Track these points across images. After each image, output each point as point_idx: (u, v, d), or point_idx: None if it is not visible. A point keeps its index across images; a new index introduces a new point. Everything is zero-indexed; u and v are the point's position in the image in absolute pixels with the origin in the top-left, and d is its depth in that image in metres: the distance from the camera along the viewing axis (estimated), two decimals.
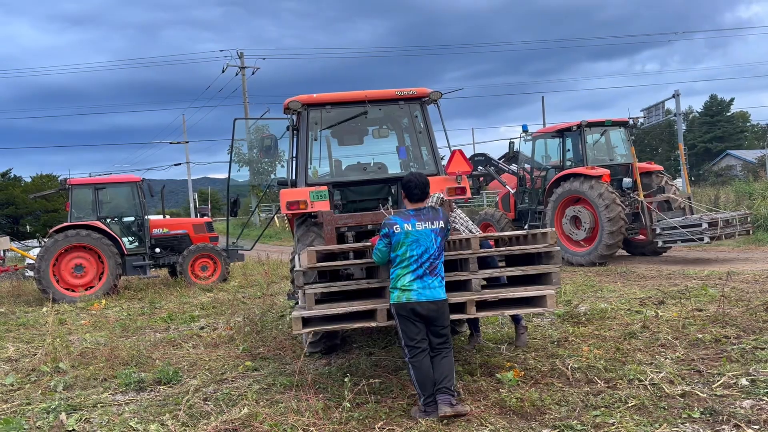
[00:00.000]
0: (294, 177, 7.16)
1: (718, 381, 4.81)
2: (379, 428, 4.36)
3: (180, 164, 42.96)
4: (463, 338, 6.89)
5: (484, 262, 5.56)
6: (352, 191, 7.17)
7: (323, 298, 5.25)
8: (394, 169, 7.52)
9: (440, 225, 4.62)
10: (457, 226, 6.40)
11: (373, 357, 6.43)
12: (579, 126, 13.47)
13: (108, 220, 14.24)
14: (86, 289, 13.56)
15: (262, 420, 4.53)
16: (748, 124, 68.98)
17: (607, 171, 12.90)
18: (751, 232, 13.02)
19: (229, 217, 8.90)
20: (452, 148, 7.26)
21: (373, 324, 4.84)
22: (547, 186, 13.91)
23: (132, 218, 14.72)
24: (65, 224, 13.71)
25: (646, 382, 4.87)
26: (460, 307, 4.96)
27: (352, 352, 6.76)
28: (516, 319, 6.49)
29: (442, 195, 6.04)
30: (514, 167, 15.72)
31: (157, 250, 14.84)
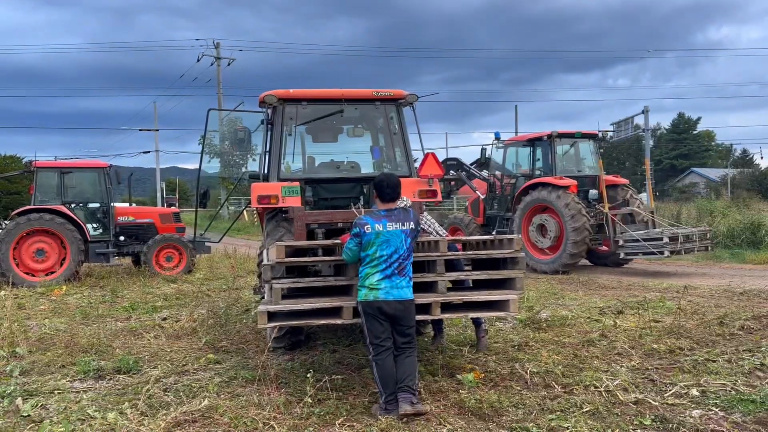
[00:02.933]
0: (266, 171, 7.15)
1: (670, 390, 4.97)
2: (339, 424, 4.41)
3: (149, 152, 42.24)
4: (426, 339, 6.97)
5: (451, 265, 5.65)
6: (325, 188, 7.18)
7: (290, 294, 5.27)
8: (367, 168, 7.56)
9: (411, 226, 4.69)
10: (425, 228, 6.48)
11: (337, 354, 6.47)
12: (550, 136, 13.70)
13: (73, 206, 13.96)
14: (47, 275, 13.29)
15: (222, 412, 4.54)
16: (713, 143, 70.90)
17: (575, 182, 13.16)
18: (709, 248, 13.41)
19: (198, 209, 8.82)
20: (425, 151, 7.33)
21: (339, 321, 4.88)
22: (516, 193, 14.12)
23: (97, 204, 14.46)
24: (28, 207, 13.43)
25: (602, 389, 5.01)
26: (425, 308, 5.03)
27: (316, 348, 6.78)
28: (477, 323, 6.59)
29: (408, 201, 6.10)
30: (485, 173, 15.89)
31: (122, 238, 14.61)
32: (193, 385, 5.46)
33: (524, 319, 7.79)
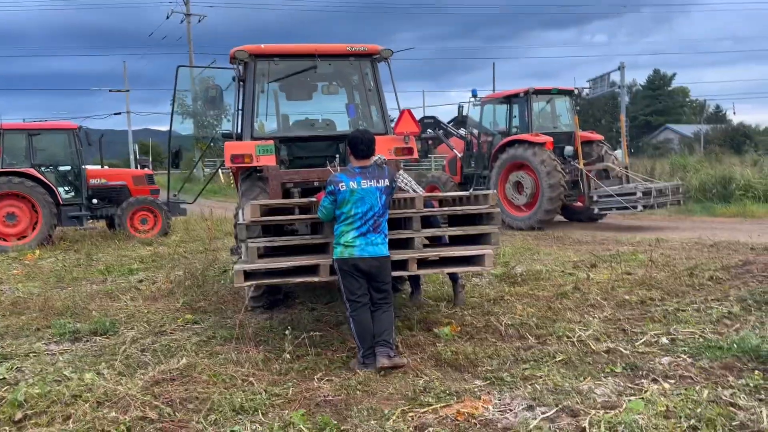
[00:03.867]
0: (239, 130, 7.05)
1: (640, 339, 5.10)
2: (318, 379, 4.46)
3: (120, 113, 41.30)
4: (404, 296, 7.04)
5: (428, 222, 5.67)
6: (300, 147, 7.10)
7: (267, 253, 5.26)
8: (342, 126, 7.50)
9: (385, 183, 4.67)
10: (401, 185, 6.47)
11: (316, 312, 6.51)
12: (526, 93, 13.67)
13: (43, 168, 13.66)
14: (19, 239, 13.08)
15: (200, 370, 4.56)
16: (687, 99, 71.40)
17: (551, 138, 13.20)
18: (681, 202, 13.64)
19: (171, 170, 8.69)
20: (401, 108, 7.26)
21: (316, 279, 4.90)
22: (493, 151, 14.14)
23: (68, 167, 14.16)
24: None
25: (574, 339, 5.12)
26: (401, 264, 5.06)
27: (295, 307, 6.82)
28: (453, 279, 6.66)
29: (383, 158, 6.07)
30: (462, 131, 15.86)
31: (95, 201, 14.36)
32: (171, 344, 5.47)
33: (500, 274, 7.90)
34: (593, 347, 4.93)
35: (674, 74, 69.01)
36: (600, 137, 14.26)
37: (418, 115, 16.94)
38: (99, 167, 15.64)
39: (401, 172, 6.64)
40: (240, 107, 7.08)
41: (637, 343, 5.00)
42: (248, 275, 4.91)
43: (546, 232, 12.48)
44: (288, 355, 4.69)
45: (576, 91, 14.32)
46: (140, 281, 8.80)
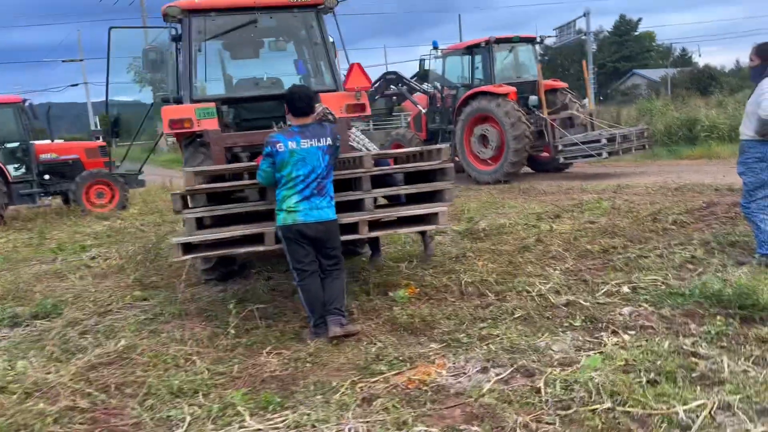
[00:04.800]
0: (179, 93, 6.64)
1: (601, 290, 4.95)
2: (267, 353, 4.24)
3: (77, 85, 39.86)
4: (364, 258, 6.82)
5: (384, 181, 5.42)
6: (246, 109, 6.73)
7: (215, 223, 4.97)
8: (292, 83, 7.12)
9: (327, 142, 4.37)
10: (354, 145, 6.18)
11: (272, 281, 6.26)
12: (487, 42, 13.30)
13: None
14: None
15: (141, 351, 4.30)
16: (654, 43, 71.30)
17: (514, 89, 12.90)
18: (647, 146, 13.54)
19: (112, 139, 8.24)
20: (350, 63, 6.90)
21: (261, 248, 4.63)
22: (457, 105, 13.83)
23: (16, 144, 13.53)
24: None
25: (534, 293, 4.96)
26: (352, 228, 4.81)
27: (251, 277, 6.55)
28: (421, 232, 6.44)
29: (327, 109, 5.76)
30: (427, 86, 15.48)
31: (47, 177, 13.79)
32: (115, 325, 5.18)
33: (463, 231, 7.71)
34: (553, 300, 4.78)
35: (640, 19, 68.63)
36: (564, 85, 14.00)
37: (379, 72, 16.52)
38: (49, 142, 15.00)
39: (353, 129, 6.34)
40: (178, 69, 6.66)
41: (598, 294, 4.86)
42: (189, 248, 4.62)
43: (512, 185, 12.31)
44: (233, 331, 4.44)
45: (538, 39, 13.98)
46: (92, 258, 8.44)
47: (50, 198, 14.21)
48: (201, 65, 6.51)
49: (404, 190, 5.07)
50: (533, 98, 13.44)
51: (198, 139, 6.19)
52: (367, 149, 6.21)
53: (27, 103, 13.63)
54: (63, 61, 40.32)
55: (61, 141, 15.70)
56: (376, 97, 15.93)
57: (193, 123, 6.08)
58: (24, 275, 7.58)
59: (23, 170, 13.48)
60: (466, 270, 5.86)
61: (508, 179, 12.86)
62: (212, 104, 6.17)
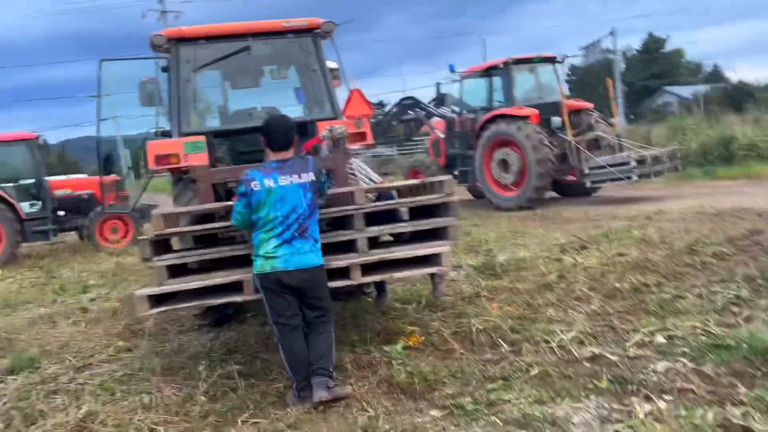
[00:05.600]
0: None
1: (632, 339, 4.31)
2: (242, 422, 3.70)
3: (105, 119, 40.32)
4: (370, 299, 6.26)
5: (388, 218, 4.91)
6: (242, 142, 6.31)
7: (198, 268, 4.50)
8: (295, 113, 6.73)
9: (310, 178, 3.87)
10: (355, 175, 5.67)
11: (267, 328, 5.71)
12: (506, 63, 12.78)
13: (1, 183, 12.88)
14: None
15: (103, 420, 3.80)
16: (683, 60, 69.89)
17: (536, 111, 12.33)
18: (680, 167, 12.78)
19: (102, 176, 7.88)
20: (351, 88, 6.45)
21: (239, 299, 4.12)
22: (476, 129, 13.28)
23: (32, 180, 13.38)
24: None
25: (554, 344, 4.34)
26: (343, 272, 4.27)
27: (246, 322, 6.05)
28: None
29: (339, 130, 5.30)
30: (446, 110, 15.00)
31: (61, 213, 13.59)
32: (89, 382, 4.71)
33: (479, 266, 7.10)
34: (575, 354, 4.15)
35: (668, 36, 67.34)
36: (589, 105, 13.35)
37: (398, 97, 16.11)
38: (64, 177, 14.88)
39: (354, 159, 5.83)
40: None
41: (628, 345, 4.22)
42: (161, 299, 4.13)
43: (535, 212, 11.65)
44: (203, 397, 3.91)
45: (560, 58, 13.41)
46: (92, 300, 8.05)
47: (56, 235, 13.92)
48: (191, 96, 6.11)
49: (401, 228, 4.52)
50: (556, 120, 12.81)
51: (184, 176, 5.76)
52: (371, 181, 5.69)
53: (41, 139, 13.52)
54: (90, 96, 40.91)
55: (76, 176, 15.58)
56: (393, 123, 15.52)
57: (181, 158, 5.67)
58: (17, 321, 7.22)
59: (37, 207, 13.30)
60: (478, 314, 5.26)
61: (530, 205, 12.22)
62: (201, 138, 5.75)
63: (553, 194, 13.71)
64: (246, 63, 6.49)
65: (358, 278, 4.24)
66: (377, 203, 4.45)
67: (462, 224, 10.95)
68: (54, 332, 6.53)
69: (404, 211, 5.30)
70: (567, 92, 15.15)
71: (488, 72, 13.37)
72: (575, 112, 13.01)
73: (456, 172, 14.17)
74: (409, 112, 15.44)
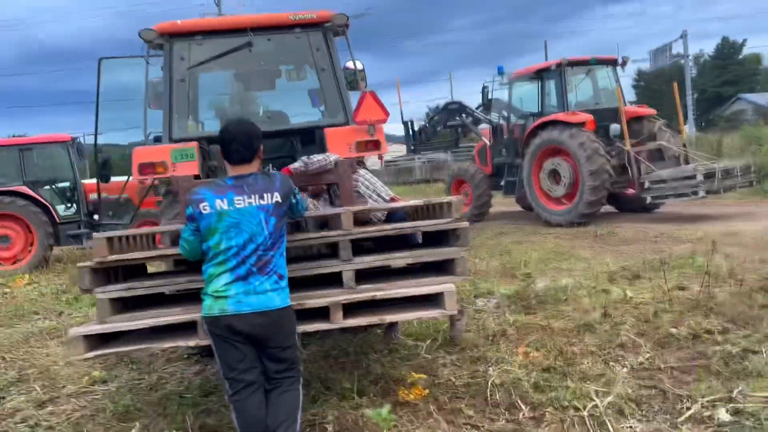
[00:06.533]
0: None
1: (686, 411, 3.37)
2: None
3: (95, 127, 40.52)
4: (379, 330, 5.47)
5: (400, 244, 4.16)
6: None
7: (152, 301, 3.83)
8: (305, 117, 6.05)
9: (275, 199, 3.11)
10: (361, 191, 4.90)
11: None
12: (559, 65, 11.75)
13: (36, 185, 12.77)
14: (14, 263, 12.25)
15: None
16: (761, 66, 65.84)
17: (591, 117, 11.26)
18: (754, 183, 11.42)
19: (100, 181, 7.36)
20: (366, 90, 5.66)
21: (191, 343, 3.40)
22: (525, 135, 12.30)
23: (67, 183, 13.25)
24: None
25: (585, 413, 3.44)
26: (322, 313, 3.50)
27: None
28: None
29: (331, 159, 4.58)
30: (495, 116, 14.07)
31: (96, 216, 13.38)
32: (43, 423, 4.12)
33: (513, 294, 6.20)
34: (611, 428, 3.24)
35: (744, 41, 63.53)
36: (652, 112, 12.13)
37: (442, 100, 15.26)
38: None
39: (362, 171, 5.06)
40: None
41: (680, 420, 3.28)
42: (105, 339, 3.47)
43: (587, 229, 10.57)
44: None
45: (620, 61, 12.25)
46: None
47: (90, 239, 13.75)
48: (185, 98, 5.47)
49: (397, 258, 3.70)
50: (614, 127, 11.68)
51: (168, 187, 5.13)
52: (380, 198, 4.91)
53: (75, 142, 13.37)
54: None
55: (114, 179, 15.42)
56: (438, 128, 14.69)
57: (168, 167, 5.03)
58: (16, 335, 6.79)
59: (72, 210, 13.14)
60: (500, 360, 4.39)
61: (583, 221, 11.12)
62: (192, 144, 5.10)
63: (610, 208, 12.54)
64: (255, 62, 5.84)
65: (338, 321, 3.45)
66: (366, 229, 3.66)
67: (502, 241, 10.07)
68: (42, 352, 6.04)
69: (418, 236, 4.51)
70: (632, 98, 13.95)
71: (540, 74, 12.36)
72: (636, 119, 11.86)
73: (502, 183, 13.22)
74: (456, 117, 14.57)
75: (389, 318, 3.56)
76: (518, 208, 14.39)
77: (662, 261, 6.58)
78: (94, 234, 3.53)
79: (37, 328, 7.13)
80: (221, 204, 3.04)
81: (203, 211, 3.05)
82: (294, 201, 3.28)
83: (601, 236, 9.63)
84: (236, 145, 3.14)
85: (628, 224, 10.76)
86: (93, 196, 13.38)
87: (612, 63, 12.31)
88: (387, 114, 5.45)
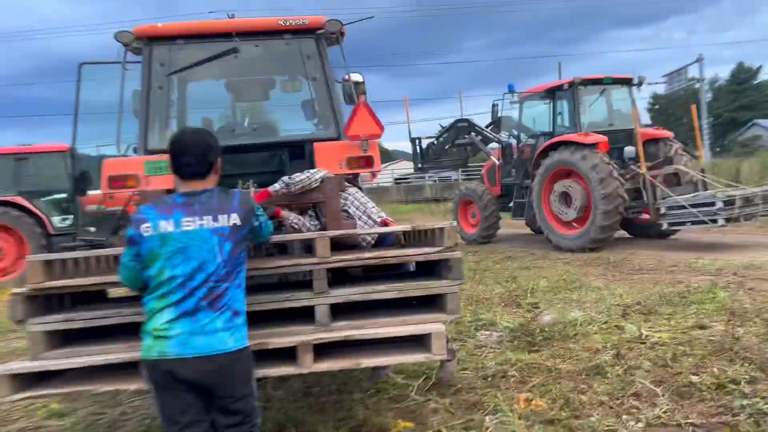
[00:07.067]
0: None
1: None
2: None
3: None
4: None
5: (395, 269, 3.71)
6: (228, 162, 5.20)
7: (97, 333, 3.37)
8: (296, 130, 5.63)
9: (231, 222, 2.65)
10: (350, 210, 4.45)
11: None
12: (572, 84, 11.28)
13: (31, 196, 12.43)
14: (5, 275, 11.88)
15: None
16: None
17: (605, 138, 10.75)
18: None
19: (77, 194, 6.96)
20: (357, 102, 5.22)
21: (133, 387, 2.93)
22: (535, 156, 11.81)
23: (64, 194, 12.89)
24: None
25: None
26: (288, 354, 3.02)
27: None
28: None
29: (321, 173, 4.19)
30: (503, 135, 13.61)
31: (92, 228, 13.00)
32: None
33: (517, 327, 5.69)
34: None
35: (760, 67, 62.90)
36: (669, 134, 11.61)
37: (451, 118, 14.85)
38: (99, 192, 14.35)
39: (352, 191, 4.61)
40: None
41: None
42: (31, 378, 3.01)
43: (600, 255, 10.01)
44: None
45: (636, 80, 11.78)
46: None
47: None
48: (164, 106, 5.06)
49: (379, 291, 3.21)
50: (629, 149, 11.17)
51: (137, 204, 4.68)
52: (370, 219, 4.45)
53: (75, 152, 13.03)
54: None
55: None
56: (447, 147, 14.25)
57: (140, 181, 4.60)
58: None
59: (68, 222, 12.77)
60: (496, 408, 3.88)
61: (595, 246, 10.58)
62: (166, 156, 4.66)
63: (623, 233, 11.99)
64: (241, 69, 5.44)
65: (307, 365, 2.97)
66: (343, 257, 3.18)
67: (509, 266, 9.55)
68: None
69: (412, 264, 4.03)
70: (647, 121, 13.50)
71: (551, 93, 11.89)
72: (652, 141, 11.35)
73: (511, 204, 12.72)
74: (465, 136, 14.14)
75: (366, 362, 3.07)
76: (527, 230, 13.88)
77: (682, 293, 6.05)
78: (27, 256, 3.08)
79: (13, 347, 6.74)
80: (166, 225, 2.59)
81: (144, 233, 2.60)
82: (257, 224, 2.82)
83: (615, 264, 9.07)
84: (188, 158, 2.69)
85: (643, 251, 10.20)
86: (89, 207, 13.04)
87: (627, 83, 11.83)
88: (381, 128, 4.98)
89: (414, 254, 3.20)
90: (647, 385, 4.03)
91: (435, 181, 33.12)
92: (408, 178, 36.31)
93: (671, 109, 59.66)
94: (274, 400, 4.35)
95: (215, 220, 2.63)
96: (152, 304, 2.61)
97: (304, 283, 3.43)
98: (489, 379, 4.49)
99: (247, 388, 2.70)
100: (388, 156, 58.71)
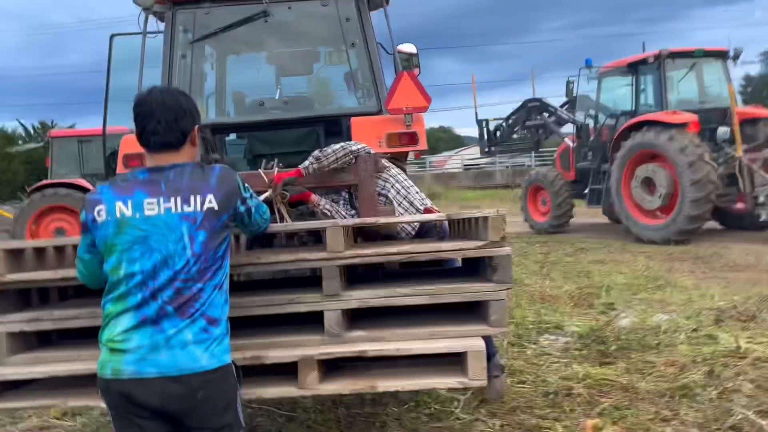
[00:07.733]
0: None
1: None
2: None
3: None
4: None
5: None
6: (260, 140, 4.71)
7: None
8: (334, 103, 5.11)
9: (206, 205, 2.08)
10: (389, 195, 3.81)
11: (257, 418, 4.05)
12: (658, 57, 10.17)
13: (96, 178, 12.53)
14: None
15: None
16: None
17: (695, 117, 9.65)
18: None
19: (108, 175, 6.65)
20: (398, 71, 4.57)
21: (103, 404, 2.43)
22: (615, 137, 10.78)
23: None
24: (44, 182, 12.16)
25: None
26: (288, 369, 2.44)
27: None
28: (488, 353, 3.86)
29: (361, 146, 3.63)
30: (579, 115, 12.60)
31: None
32: None
33: (587, 332, 4.92)
34: None
35: None
36: None
37: (522, 97, 13.92)
38: None
39: (394, 172, 3.97)
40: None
41: None
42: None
43: (688, 248, 8.98)
44: None
45: (731, 53, 10.50)
46: None
47: None
48: (187, 77, 4.58)
49: (402, 295, 2.57)
50: (723, 130, 10.00)
51: None
52: (411, 206, 3.79)
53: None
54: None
55: None
56: (516, 129, 13.36)
57: None
58: None
59: None
60: None
61: (682, 239, 9.51)
62: None
63: (714, 224, 10.80)
64: (274, 35, 4.89)
65: (311, 385, 2.38)
66: (360, 251, 2.55)
67: (581, 260, 8.66)
68: None
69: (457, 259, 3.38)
70: (740, 102, 12.20)
71: (634, 68, 10.79)
72: (750, 121, 10.09)
73: (586, 191, 11.73)
74: (536, 117, 13.20)
75: (383, 386, 2.43)
76: (604, 220, 12.83)
77: None
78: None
79: None
80: (122, 208, 2.04)
81: (98, 218, 2.07)
82: (242, 208, 2.24)
83: (705, 258, 8.05)
84: (154, 123, 2.12)
85: (737, 245, 9.06)
86: None
87: (722, 56, 10.57)
88: (428, 100, 4.30)
89: (448, 249, 2.54)
90: (749, 416, 3.21)
91: (507, 166, 31.95)
92: (479, 164, 35.22)
93: (766, 92, 55.52)
94: (300, 410, 3.83)
95: (185, 202, 2.06)
96: (108, 307, 2.08)
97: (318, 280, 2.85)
98: (550, 396, 3.78)
99: (228, 417, 2.13)
100: (459, 142, 57.60)
